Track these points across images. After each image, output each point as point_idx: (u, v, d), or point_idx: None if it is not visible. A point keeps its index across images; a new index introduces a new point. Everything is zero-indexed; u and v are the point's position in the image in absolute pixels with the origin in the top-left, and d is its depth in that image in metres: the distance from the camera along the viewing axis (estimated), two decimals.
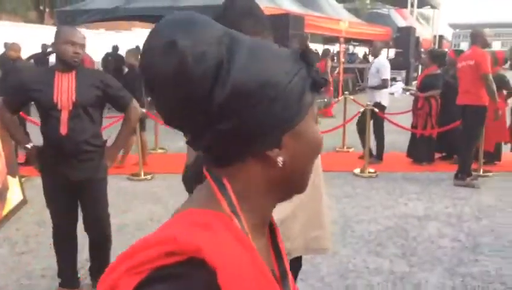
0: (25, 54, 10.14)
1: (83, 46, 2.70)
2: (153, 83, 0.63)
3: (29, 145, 2.82)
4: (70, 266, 2.99)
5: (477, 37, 5.50)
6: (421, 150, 6.48)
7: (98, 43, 13.89)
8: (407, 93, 7.15)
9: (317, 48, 17.85)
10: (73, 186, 2.80)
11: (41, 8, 22.34)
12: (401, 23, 21.91)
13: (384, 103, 6.53)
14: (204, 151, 0.68)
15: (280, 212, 1.43)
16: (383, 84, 6.49)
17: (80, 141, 2.70)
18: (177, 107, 0.63)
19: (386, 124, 6.68)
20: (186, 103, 0.62)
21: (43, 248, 3.74)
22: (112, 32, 17.81)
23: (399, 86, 8.11)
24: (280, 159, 0.66)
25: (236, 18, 1.49)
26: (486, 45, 5.56)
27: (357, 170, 6.10)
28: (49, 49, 8.21)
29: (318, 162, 1.59)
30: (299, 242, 1.50)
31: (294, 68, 0.66)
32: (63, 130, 2.66)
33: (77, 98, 2.67)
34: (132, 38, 18.02)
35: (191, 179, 1.49)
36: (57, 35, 2.68)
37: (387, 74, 6.52)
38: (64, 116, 2.66)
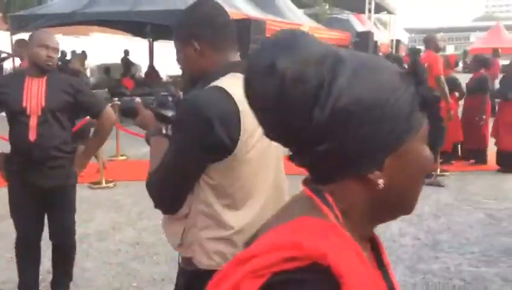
0: None
1: (56, 50, 2.67)
2: (256, 103, 0.66)
3: None
4: (33, 279, 2.89)
5: (430, 42, 5.89)
6: None
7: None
8: None
9: None
10: (43, 194, 2.73)
11: None
12: (360, 28, 22.46)
13: None
14: (306, 168, 0.68)
15: (242, 218, 1.43)
16: None
17: (49, 147, 2.64)
18: (278, 126, 0.64)
19: None
20: (287, 123, 0.63)
21: (2, 260, 3.59)
22: (70, 38, 17.36)
23: None
24: (381, 181, 0.64)
25: (195, 27, 1.48)
26: (439, 49, 5.92)
27: None
28: (3, 55, 7.91)
29: (281, 165, 1.60)
30: None
31: (402, 86, 0.63)
32: (32, 136, 2.59)
33: (46, 103, 2.62)
34: (90, 43, 17.63)
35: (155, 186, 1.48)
36: (31, 38, 2.66)
37: None
38: (33, 121, 2.60)
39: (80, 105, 2.78)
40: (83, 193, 5.58)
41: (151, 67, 14.72)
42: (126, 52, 14.45)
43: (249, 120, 1.40)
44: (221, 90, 1.38)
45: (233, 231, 1.41)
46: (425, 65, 5.64)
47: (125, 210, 4.87)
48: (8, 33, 10.30)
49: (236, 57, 1.54)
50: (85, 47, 14.23)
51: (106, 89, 11.92)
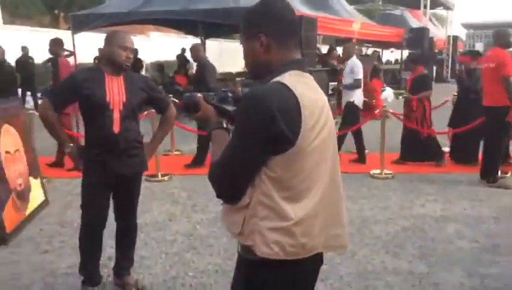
0: (41, 58, 10.31)
1: (133, 50, 2.88)
2: None
3: (71, 144, 2.96)
4: (94, 264, 3.06)
5: (501, 37, 5.43)
6: (427, 151, 6.51)
7: None
8: (400, 97, 7.16)
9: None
10: (120, 182, 2.93)
11: (56, 12, 22.65)
12: (415, 24, 21.80)
13: (357, 102, 6.64)
14: None
15: (301, 209, 1.47)
16: (356, 84, 6.60)
17: (130, 138, 2.86)
18: None
19: (399, 125, 6.69)
20: None
21: (67, 247, 3.81)
22: None
23: (390, 91, 8.15)
24: None
25: (265, 21, 1.52)
26: (510, 45, 5.49)
27: (374, 171, 6.10)
28: (65, 53, 8.33)
29: (337, 160, 1.62)
30: (319, 239, 1.54)
31: None
32: (116, 128, 2.80)
33: (127, 100, 2.83)
34: (146, 41, 18.20)
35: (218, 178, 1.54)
36: (110, 39, 2.82)
37: (360, 74, 6.64)
38: (116, 115, 2.79)
39: (151, 101, 3.03)
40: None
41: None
42: (183, 50, 14.78)
43: (309, 114, 1.44)
44: (283, 85, 1.43)
45: (292, 222, 1.45)
46: (491, 65, 5.34)
47: (180, 203, 5.02)
48: (70, 32, 10.83)
49: (298, 54, 1.58)
50: (141, 45, 14.71)
51: (161, 86, 12.28)
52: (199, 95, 1.74)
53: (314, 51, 10.62)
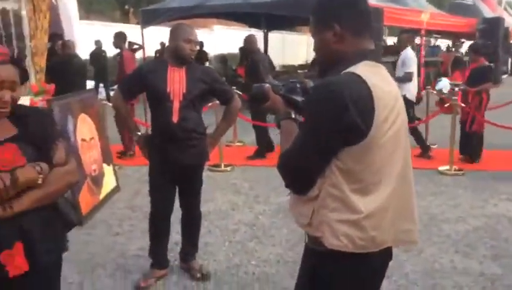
0: (112, 51, 10.82)
1: (197, 43, 2.97)
2: None
3: (139, 133, 3.08)
4: (162, 248, 3.18)
5: None
6: (466, 144, 6.22)
7: None
8: (456, 89, 6.75)
9: (395, 41, 17.25)
10: (180, 170, 3.01)
11: (126, 7, 23.66)
12: (488, 13, 20.53)
13: (410, 96, 6.31)
14: None
15: (372, 202, 1.44)
16: (407, 77, 6.29)
17: (189, 128, 2.93)
18: None
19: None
20: None
21: (136, 230, 4.00)
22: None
23: (446, 81, 7.72)
24: None
25: (339, 10, 1.49)
26: None
27: (443, 168, 5.85)
28: (135, 46, 8.70)
29: (409, 154, 1.57)
30: (389, 234, 1.50)
31: None
32: (175, 118, 2.87)
33: (187, 90, 2.89)
34: (211, 34, 18.55)
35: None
36: (176, 32, 2.91)
37: (412, 66, 6.33)
38: (175, 105, 2.87)
39: (213, 92, 3.07)
40: (203, 174, 5.92)
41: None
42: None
43: (382, 106, 1.40)
44: (356, 76, 1.40)
45: (362, 215, 1.42)
46: None
47: (242, 193, 5.10)
48: (139, 26, 11.28)
49: (371, 44, 1.54)
50: (205, 38, 15.02)
51: (224, 78, 12.49)
52: (267, 85, 1.75)
53: (380, 42, 10.33)
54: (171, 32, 2.95)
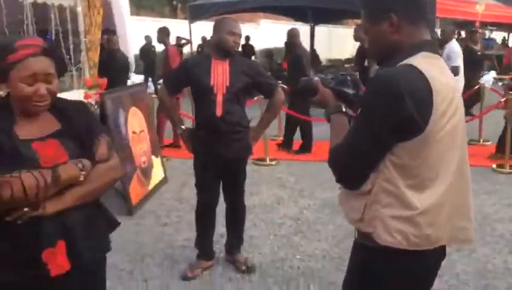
0: (161, 46, 11.07)
1: (240, 36, 2.98)
2: None
3: (183, 127, 3.12)
4: (208, 240, 3.24)
5: None
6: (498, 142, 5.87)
7: None
8: (500, 84, 6.36)
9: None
10: (224, 165, 3.03)
11: (174, 3, 24.15)
12: None
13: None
14: None
15: (427, 199, 1.39)
16: (454, 72, 5.96)
17: (232, 122, 2.94)
18: None
19: None
20: None
21: (183, 221, 4.10)
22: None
23: (490, 75, 7.30)
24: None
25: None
26: None
27: (497, 165, 5.60)
28: (182, 41, 8.87)
29: (466, 149, 1.51)
30: (444, 231, 1.45)
31: None
32: (219, 111, 2.89)
33: (230, 83, 2.90)
34: (257, 29, 18.58)
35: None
36: (219, 25, 2.93)
37: (457, 60, 6.09)
38: (219, 99, 2.89)
39: (256, 85, 3.05)
40: (248, 168, 5.94)
41: (312, 51, 14.90)
42: None
43: (441, 100, 1.35)
44: (414, 68, 1.35)
45: (417, 211, 1.38)
46: None
47: (287, 187, 5.10)
48: (187, 21, 11.47)
49: (428, 35, 1.49)
50: (251, 33, 15.07)
51: (269, 72, 12.51)
52: (316, 78, 1.71)
53: (433, 34, 9.98)
54: (215, 25, 2.97)
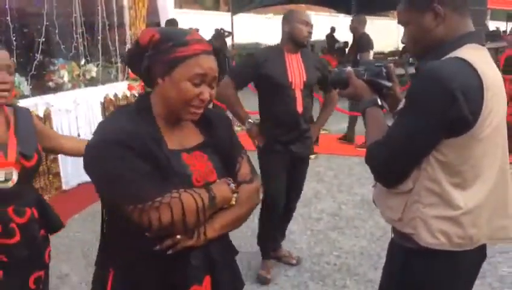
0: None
1: (312, 27, 2.84)
2: None
3: (251, 121, 2.90)
4: (268, 239, 3.10)
5: None
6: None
7: (268, 27, 14.51)
8: None
9: (500, 26, 15.89)
10: (294, 162, 2.92)
11: None
12: None
13: None
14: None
15: (471, 198, 1.35)
16: None
17: (309, 118, 2.89)
18: None
19: None
20: None
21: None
22: (280, 17, 18.46)
23: None
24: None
25: None
26: None
27: None
28: (225, 34, 8.93)
29: (506, 147, 1.44)
30: (485, 230, 1.40)
31: None
32: (299, 108, 2.80)
33: (307, 78, 2.81)
34: None
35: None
36: (291, 15, 2.84)
37: None
38: (298, 95, 2.79)
39: (322, 80, 2.94)
40: None
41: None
42: (332, 29, 14.64)
43: (490, 96, 1.30)
44: (464, 62, 1.30)
45: (461, 211, 1.35)
46: None
47: (326, 182, 5.06)
48: (229, 14, 11.53)
49: (471, 25, 1.42)
50: None
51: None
52: (349, 69, 1.62)
53: (482, 27, 9.57)
54: (284, 17, 2.85)
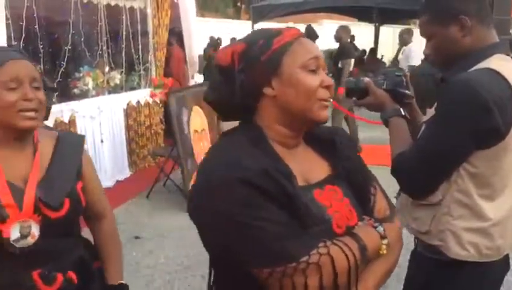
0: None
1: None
2: None
3: None
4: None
5: None
6: None
7: None
8: None
9: None
10: None
11: (238, 5, 24.58)
12: None
13: None
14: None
15: (499, 209, 1.35)
16: None
17: None
18: None
19: None
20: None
21: None
22: (300, 25, 18.55)
23: None
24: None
25: (462, 1, 1.39)
26: None
27: None
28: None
29: None
30: (510, 240, 1.40)
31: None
32: None
33: None
34: (318, 30, 18.44)
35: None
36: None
37: None
38: None
39: None
40: None
41: (373, 52, 14.58)
42: (352, 38, 14.62)
43: None
44: (495, 72, 1.29)
45: (491, 222, 1.34)
46: None
47: None
48: (250, 22, 11.63)
49: (495, 35, 1.41)
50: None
51: (331, 74, 12.37)
52: (367, 79, 1.58)
53: (507, 37, 9.43)
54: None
